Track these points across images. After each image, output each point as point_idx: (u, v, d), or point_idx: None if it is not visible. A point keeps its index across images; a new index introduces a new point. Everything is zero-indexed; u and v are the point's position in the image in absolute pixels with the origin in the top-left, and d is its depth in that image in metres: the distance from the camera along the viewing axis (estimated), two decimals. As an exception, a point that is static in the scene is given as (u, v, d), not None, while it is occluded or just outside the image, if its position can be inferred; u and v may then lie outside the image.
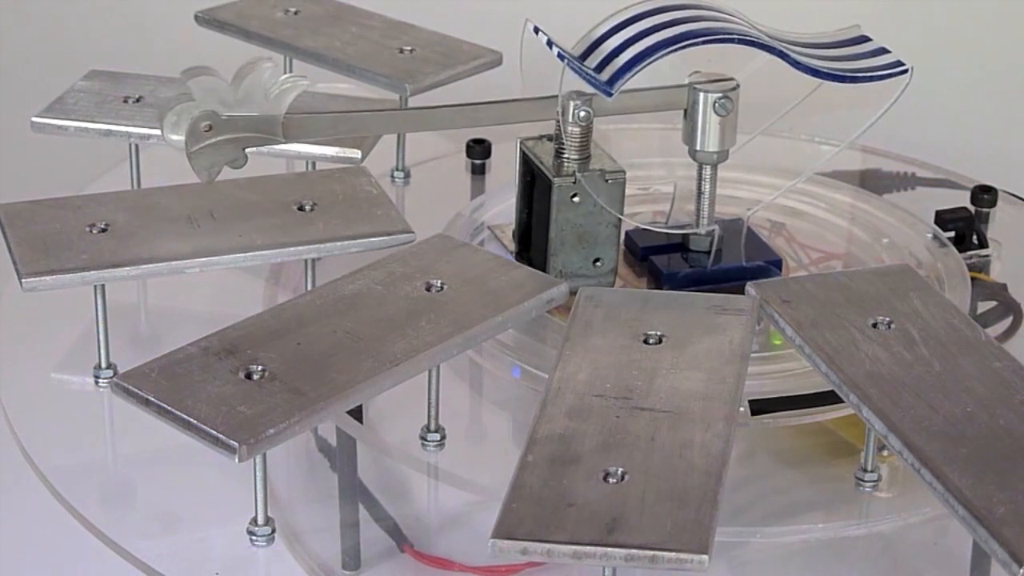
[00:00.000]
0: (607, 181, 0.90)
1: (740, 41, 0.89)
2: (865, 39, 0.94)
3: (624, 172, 0.90)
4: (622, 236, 0.92)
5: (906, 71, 0.91)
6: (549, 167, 0.90)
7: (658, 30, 0.89)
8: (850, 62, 0.92)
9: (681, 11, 0.90)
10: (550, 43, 0.88)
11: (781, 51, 0.89)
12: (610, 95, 0.88)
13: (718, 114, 0.91)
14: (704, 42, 0.88)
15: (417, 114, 0.92)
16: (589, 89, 0.89)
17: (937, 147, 1.18)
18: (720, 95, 0.91)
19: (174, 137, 0.84)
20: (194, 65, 0.85)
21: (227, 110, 0.85)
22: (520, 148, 0.93)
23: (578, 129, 0.90)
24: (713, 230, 0.94)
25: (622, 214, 0.91)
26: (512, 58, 1.05)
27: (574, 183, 0.89)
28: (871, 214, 1.02)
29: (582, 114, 0.89)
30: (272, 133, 0.86)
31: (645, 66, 0.88)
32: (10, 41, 1.46)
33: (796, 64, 0.89)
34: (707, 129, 0.91)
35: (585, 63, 0.89)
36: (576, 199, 0.90)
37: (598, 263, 0.91)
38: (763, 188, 1.02)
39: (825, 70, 0.90)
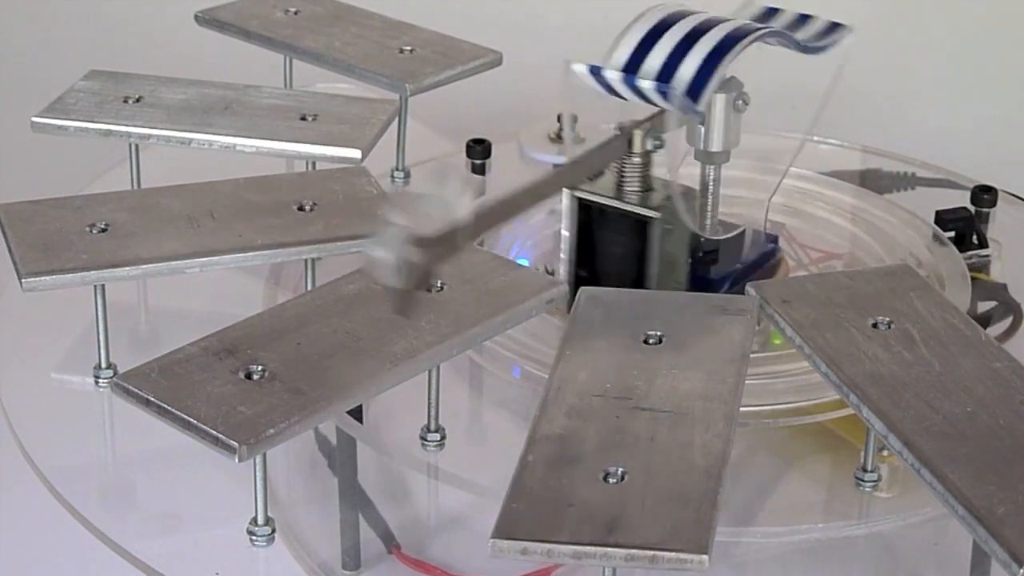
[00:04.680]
0: (690, 202, 0.89)
1: (773, 34, 0.88)
2: (776, 10, 0.93)
3: (696, 188, 0.90)
4: None
5: (847, 27, 0.90)
6: (638, 204, 0.88)
7: (698, 37, 0.87)
8: (796, 31, 0.91)
9: (691, 17, 0.89)
10: (609, 88, 0.86)
11: (799, 42, 0.89)
12: (699, 112, 0.86)
13: (738, 111, 0.90)
14: (751, 41, 0.87)
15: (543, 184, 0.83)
16: (636, 115, 0.87)
17: (937, 147, 1.18)
18: (737, 92, 0.90)
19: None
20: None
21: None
22: (571, 197, 0.89)
23: (639, 159, 0.88)
24: (743, 229, 0.94)
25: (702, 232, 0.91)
26: (512, 58, 1.06)
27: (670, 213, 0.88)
28: (871, 214, 1.02)
29: (655, 142, 0.87)
30: (455, 247, 0.74)
31: (719, 72, 0.86)
32: (10, 41, 1.47)
33: (807, 48, 0.89)
34: (719, 130, 0.91)
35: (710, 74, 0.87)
36: (669, 227, 0.88)
37: (677, 285, 0.90)
38: (758, 188, 1.02)
39: (812, 45, 0.90)
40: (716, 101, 0.90)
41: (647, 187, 0.88)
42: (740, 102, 0.90)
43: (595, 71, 0.87)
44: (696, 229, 0.89)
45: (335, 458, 0.85)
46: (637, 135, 0.88)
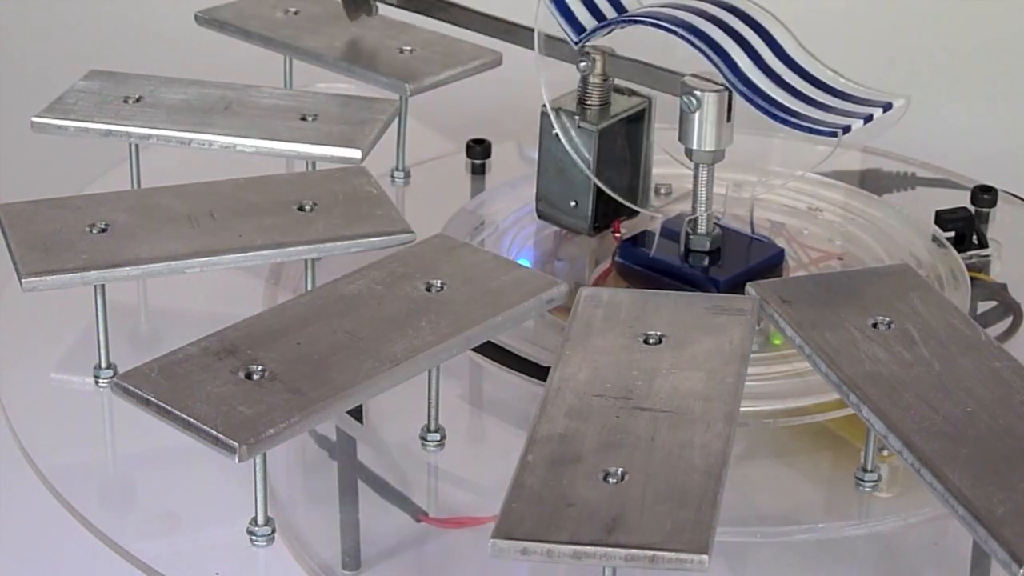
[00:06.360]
0: (579, 126, 0.93)
1: (683, 38, 0.87)
2: (888, 105, 0.91)
3: (595, 127, 0.93)
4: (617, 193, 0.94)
5: (835, 135, 0.87)
6: (553, 99, 0.94)
7: (665, 6, 0.90)
8: (824, 112, 0.89)
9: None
10: None
11: (720, 64, 0.87)
12: (575, 43, 0.92)
13: (681, 109, 0.90)
14: (652, 25, 0.89)
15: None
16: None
17: (937, 147, 1.18)
18: (689, 91, 0.89)
19: None
20: None
21: None
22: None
23: (598, 80, 0.94)
24: (714, 230, 0.93)
25: (590, 167, 0.93)
26: (512, 58, 1.06)
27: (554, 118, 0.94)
28: (871, 214, 1.02)
29: (582, 64, 0.93)
30: None
31: (604, 27, 0.91)
32: (10, 41, 1.47)
33: (733, 83, 0.87)
34: (702, 127, 0.91)
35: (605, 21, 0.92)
36: (556, 135, 0.93)
37: (574, 205, 0.95)
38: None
39: (765, 103, 0.87)
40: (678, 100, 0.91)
41: (605, 103, 0.94)
42: (684, 100, 0.90)
43: None
44: (580, 160, 0.93)
45: (335, 449, 0.85)
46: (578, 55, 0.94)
